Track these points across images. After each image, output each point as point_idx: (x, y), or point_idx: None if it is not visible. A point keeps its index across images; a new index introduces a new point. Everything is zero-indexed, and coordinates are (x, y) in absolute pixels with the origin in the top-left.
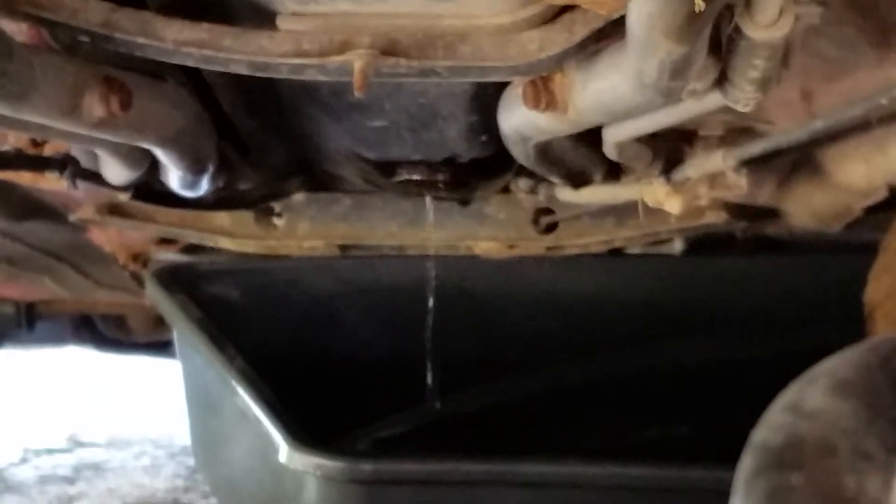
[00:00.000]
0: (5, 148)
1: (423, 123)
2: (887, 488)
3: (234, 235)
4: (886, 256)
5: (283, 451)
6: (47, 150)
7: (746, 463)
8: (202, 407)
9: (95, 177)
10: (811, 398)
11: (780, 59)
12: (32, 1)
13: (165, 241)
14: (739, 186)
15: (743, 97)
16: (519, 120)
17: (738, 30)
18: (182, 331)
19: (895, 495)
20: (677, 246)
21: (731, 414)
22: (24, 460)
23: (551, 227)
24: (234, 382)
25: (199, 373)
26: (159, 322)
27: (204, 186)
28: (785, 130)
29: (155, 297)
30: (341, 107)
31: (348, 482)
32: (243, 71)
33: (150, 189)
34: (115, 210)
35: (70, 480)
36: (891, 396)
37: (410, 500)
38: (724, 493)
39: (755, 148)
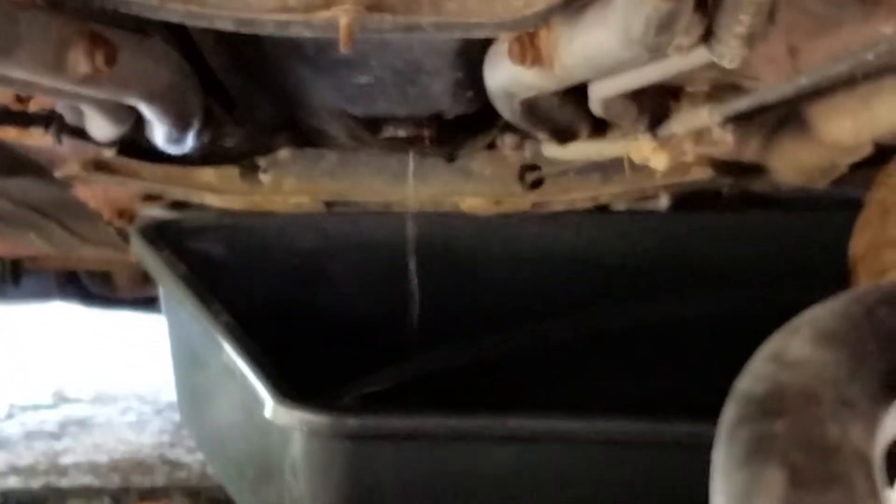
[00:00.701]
0: None
1: (408, 79)
2: (870, 436)
3: (219, 191)
4: (868, 211)
5: (269, 406)
6: (32, 106)
7: (730, 411)
8: (188, 363)
9: (80, 133)
10: (795, 347)
11: (766, 15)
12: None
13: (151, 198)
14: (725, 142)
15: (729, 53)
16: (505, 76)
17: None
18: (167, 287)
19: (878, 444)
20: (663, 202)
21: (716, 369)
22: (9, 416)
23: (537, 184)
24: (219, 338)
25: (185, 328)
26: (145, 278)
27: (189, 142)
28: (771, 86)
29: (140, 253)
30: (327, 63)
31: (334, 437)
32: (228, 27)
33: (135, 145)
34: (100, 166)
35: (56, 436)
36: (874, 346)
37: (396, 454)
38: (711, 446)
39: (741, 104)
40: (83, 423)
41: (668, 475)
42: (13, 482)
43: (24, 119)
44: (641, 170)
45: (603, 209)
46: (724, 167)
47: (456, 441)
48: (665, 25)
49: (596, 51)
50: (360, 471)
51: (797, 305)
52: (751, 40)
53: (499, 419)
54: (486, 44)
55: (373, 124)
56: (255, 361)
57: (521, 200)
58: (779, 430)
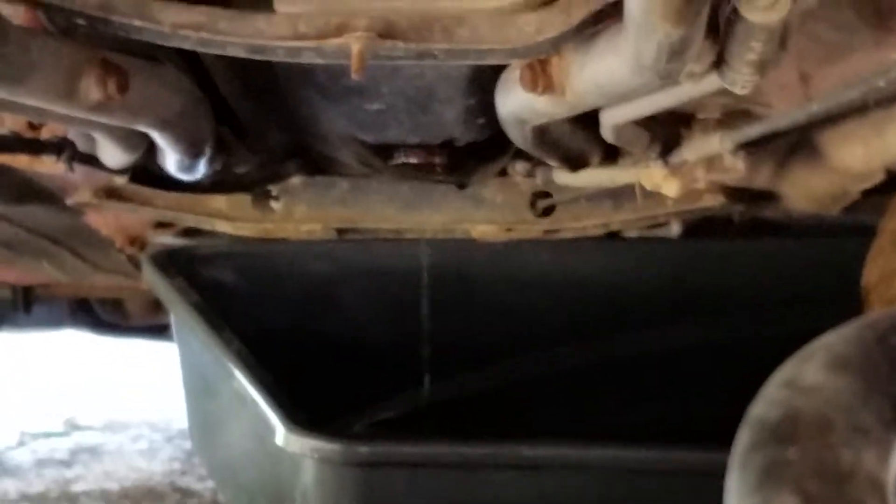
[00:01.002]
0: (2, 131)
1: (420, 106)
2: (883, 463)
3: (231, 219)
4: (881, 239)
5: (280, 433)
6: (44, 134)
7: (743, 437)
8: (199, 390)
9: (92, 160)
10: (808, 374)
11: (778, 42)
12: None
13: (162, 225)
14: (737, 169)
15: (740, 80)
16: (516, 103)
17: (736, 12)
18: (179, 314)
19: (891, 470)
20: (675, 229)
21: (727, 397)
22: (21, 444)
23: (548, 211)
24: (231, 365)
25: (197, 356)
26: (156, 306)
27: (201, 170)
28: (782, 113)
29: (152, 280)
30: (338, 90)
31: (345, 465)
32: (240, 54)
33: (147, 172)
34: (112, 193)
35: (67, 464)
36: (887, 372)
37: (407, 482)
38: (724, 473)
39: (752, 131)
40: (94, 451)
41: (680, 502)
42: None
43: (36, 146)
44: (653, 197)
45: (614, 236)
46: (736, 194)
47: (468, 469)
48: (676, 52)
49: (607, 78)
50: (371, 499)
51: (809, 333)
52: (763, 67)
53: (510, 447)
54: (497, 70)
55: (384, 151)
56: (266, 389)
57: (533, 227)
58: (792, 457)
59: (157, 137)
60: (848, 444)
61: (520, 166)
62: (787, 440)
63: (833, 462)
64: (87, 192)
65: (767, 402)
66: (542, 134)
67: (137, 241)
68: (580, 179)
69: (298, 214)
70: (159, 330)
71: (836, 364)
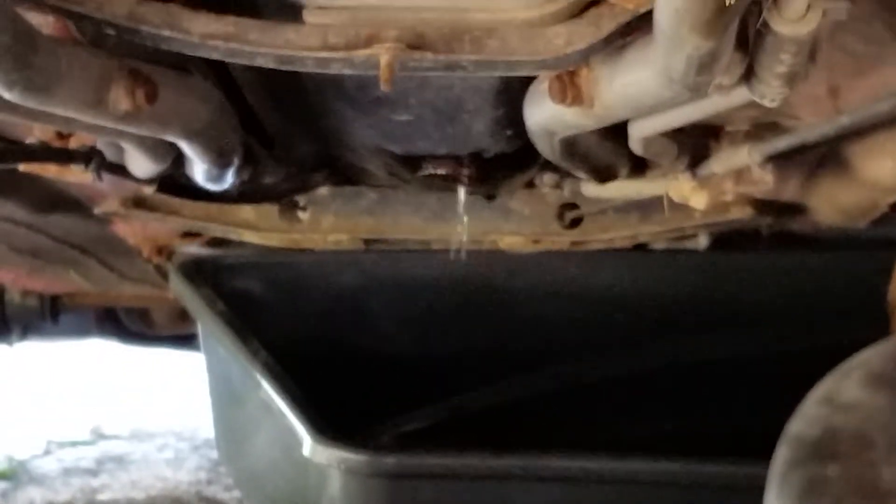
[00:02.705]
0: (31, 140)
1: (448, 117)
2: None
3: (258, 229)
4: None
5: (307, 444)
6: (72, 143)
7: (782, 454)
8: (226, 400)
9: (120, 170)
10: (847, 391)
11: (807, 55)
12: None
13: (190, 235)
14: (765, 182)
15: (770, 92)
16: (545, 114)
17: (765, 24)
18: (206, 324)
19: None
20: (702, 241)
21: (753, 409)
22: (47, 452)
23: (576, 222)
24: (257, 375)
25: (223, 366)
26: (183, 315)
27: (229, 180)
28: (811, 126)
29: (179, 290)
30: (367, 101)
31: (371, 476)
32: (269, 64)
33: (174, 182)
34: (139, 203)
35: (93, 472)
36: None
37: (433, 494)
38: (753, 487)
39: (781, 143)
40: (120, 460)
41: None
42: None
43: (64, 156)
44: (681, 209)
45: (641, 248)
46: (764, 206)
47: (494, 480)
48: (706, 65)
49: (636, 90)
50: None
51: (836, 346)
52: (792, 80)
53: (538, 458)
54: (526, 82)
55: (412, 162)
56: (293, 399)
57: (560, 239)
58: (832, 474)
59: (185, 147)
60: (888, 462)
61: (548, 178)
62: (826, 458)
63: (873, 480)
64: (114, 202)
65: (806, 420)
66: (571, 146)
67: (165, 251)
68: (608, 191)
69: (326, 225)
70: (186, 339)
71: (875, 381)
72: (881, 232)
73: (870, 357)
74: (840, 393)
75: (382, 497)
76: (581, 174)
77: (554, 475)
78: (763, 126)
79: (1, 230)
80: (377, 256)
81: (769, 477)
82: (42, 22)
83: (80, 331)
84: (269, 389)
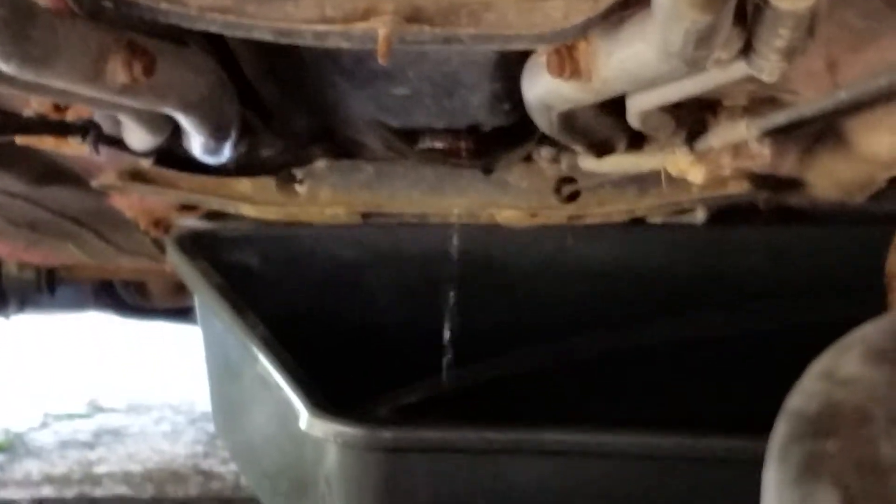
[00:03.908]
0: (28, 113)
1: (446, 91)
2: None
3: (255, 202)
4: None
5: (304, 417)
6: (70, 116)
7: (781, 429)
8: (223, 373)
9: (118, 142)
10: (846, 365)
11: (805, 29)
12: None
13: (187, 208)
14: (763, 156)
15: (768, 67)
16: (543, 88)
17: None
18: (203, 297)
19: None
20: (699, 216)
21: (750, 384)
22: (44, 425)
23: (573, 196)
24: (254, 349)
25: (220, 339)
26: (180, 288)
27: (226, 153)
28: (809, 100)
29: (176, 263)
30: (364, 74)
31: (368, 449)
32: (267, 37)
33: (172, 155)
34: (137, 176)
35: (90, 445)
36: None
37: (430, 467)
38: (750, 461)
39: (779, 118)
40: (117, 433)
41: (707, 491)
42: (47, 491)
43: (61, 128)
44: (678, 183)
45: (639, 222)
46: (761, 181)
47: (491, 454)
48: (704, 39)
49: (634, 64)
50: (394, 483)
51: (833, 320)
52: (790, 54)
53: (534, 433)
54: (524, 56)
55: (410, 136)
56: (290, 373)
57: (557, 213)
58: (831, 450)
59: (183, 120)
60: (888, 437)
61: (545, 152)
62: (825, 433)
63: (873, 455)
64: (112, 175)
65: (805, 395)
66: (568, 119)
67: (162, 224)
68: (605, 165)
69: (323, 198)
70: (183, 313)
71: (875, 356)
72: (879, 207)
73: (869, 332)
74: (839, 368)
75: (379, 471)
76: (579, 148)
77: (551, 449)
78: (761, 101)
79: None
80: (374, 230)
81: (768, 452)
82: None
83: (77, 304)
84: (265, 363)
